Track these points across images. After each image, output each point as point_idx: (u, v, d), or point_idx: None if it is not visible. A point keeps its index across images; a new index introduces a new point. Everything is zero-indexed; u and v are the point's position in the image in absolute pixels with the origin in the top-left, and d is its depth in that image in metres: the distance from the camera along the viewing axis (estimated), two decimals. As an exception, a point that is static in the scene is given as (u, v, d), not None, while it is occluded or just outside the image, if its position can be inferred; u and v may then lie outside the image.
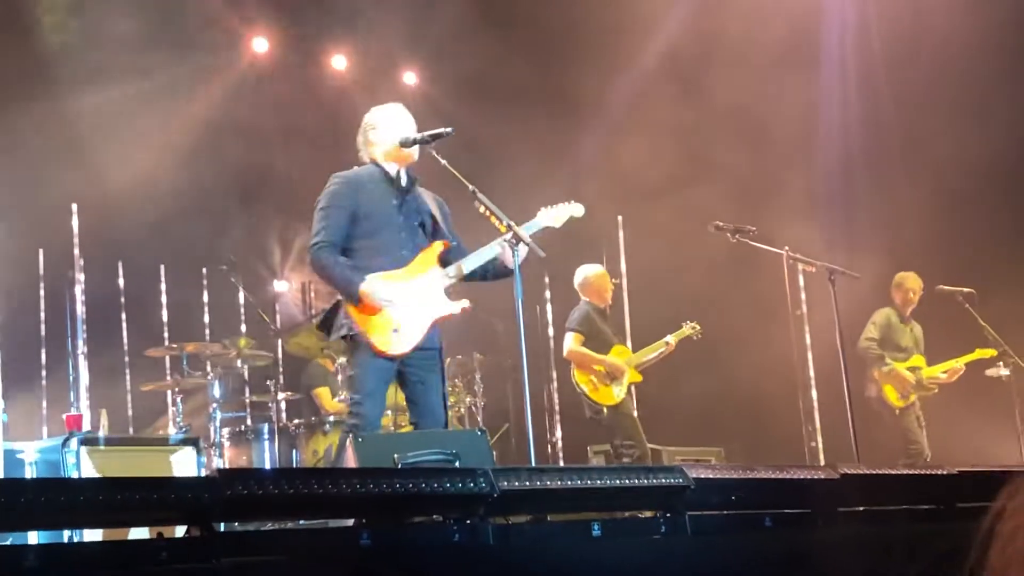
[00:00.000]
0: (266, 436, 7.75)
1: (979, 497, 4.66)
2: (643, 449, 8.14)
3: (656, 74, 10.47)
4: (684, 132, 10.06)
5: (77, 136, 9.04)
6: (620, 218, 10.08)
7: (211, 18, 9.71)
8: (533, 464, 5.29)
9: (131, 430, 8.61)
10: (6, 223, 7.71)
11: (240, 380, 8.43)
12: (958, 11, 9.62)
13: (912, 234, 9.71)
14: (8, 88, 8.68)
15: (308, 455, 7.65)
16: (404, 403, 5.65)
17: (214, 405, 7.76)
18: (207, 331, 9.33)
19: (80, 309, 8.12)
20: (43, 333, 8.68)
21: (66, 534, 5.14)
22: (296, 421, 7.97)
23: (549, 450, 9.81)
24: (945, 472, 4.72)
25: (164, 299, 9.34)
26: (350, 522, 3.79)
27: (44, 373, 8.62)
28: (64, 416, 6.75)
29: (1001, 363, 8.76)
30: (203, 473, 6.53)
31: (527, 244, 5.38)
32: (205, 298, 9.55)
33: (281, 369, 9.20)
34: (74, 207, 8.12)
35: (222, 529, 3.39)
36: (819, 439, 8.08)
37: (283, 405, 8.30)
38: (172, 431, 7.50)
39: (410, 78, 10.97)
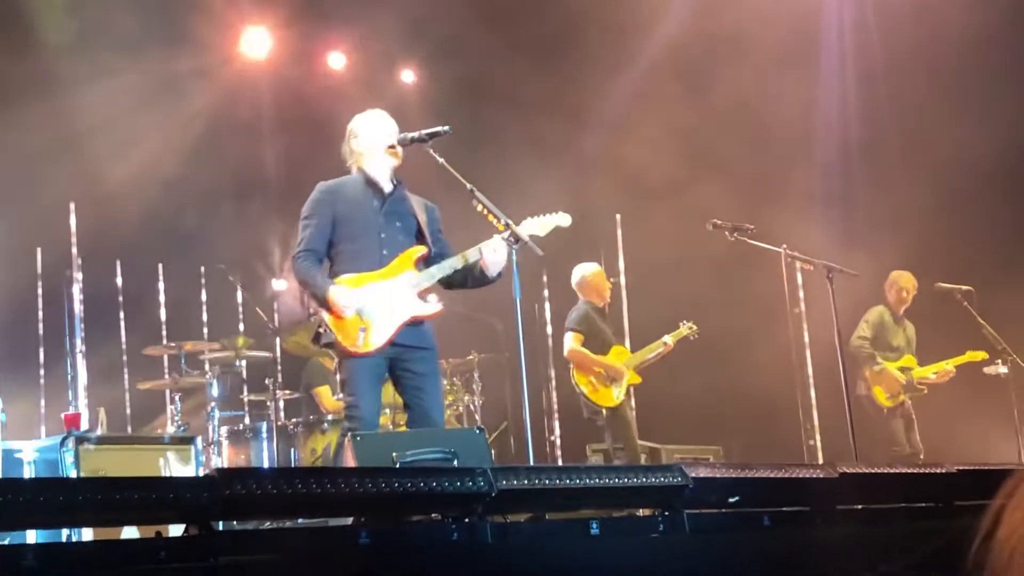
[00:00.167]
0: (264, 435, 7.75)
1: (978, 495, 4.67)
2: (633, 453, 8.14)
3: (654, 73, 10.46)
4: (683, 131, 10.05)
5: (75, 135, 9.04)
6: (618, 217, 10.08)
7: (209, 15, 9.70)
8: (531, 463, 5.30)
9: (129, 429, 8.62)
10: (4, 222, 7.72)
11: (238, 379, 8.43)
12: (958, 8, 9.61)
13: (911, 232, 9.70)
14: (6, 87, 8.67)
15: (306, 454, 7.65)
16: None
17: (212, 404, 7.76)
18: (205, 330, 9.33)
19: (78, 308, 8.13)
20: (41, 332, 8.69)
21: (64, 533, 5.14)
22: (294, 420, 7.97)
23: (548, 449, 9.81)
24: (944, 470, 4.72)
25: (162, 298, 9.35)
26: (349, 521, 3.79)
27: (42, 372, 8.63)
28: (62, 415, 6.74)
29: (999, 361, 8.75)
30: (202, 472, 6.53)
31: (526, 242, 5.39)
32: (203, 297, 9.55)
33: (279, 368, 9.20)
34: (72, 206, 8.12)
35: (221, 528, 3.39)
36: (817, 437, 8.08)
37: (281, 404, 8.30)
38: (170, 430, 7.50)
39: (408, 76, 10.96)
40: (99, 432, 6.88)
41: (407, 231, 5.60)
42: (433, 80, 10.83)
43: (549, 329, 9.93)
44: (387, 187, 5.64)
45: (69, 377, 8.08)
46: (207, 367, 7.96)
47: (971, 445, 8.80)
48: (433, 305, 5.54)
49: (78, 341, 8.02)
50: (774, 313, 8.33)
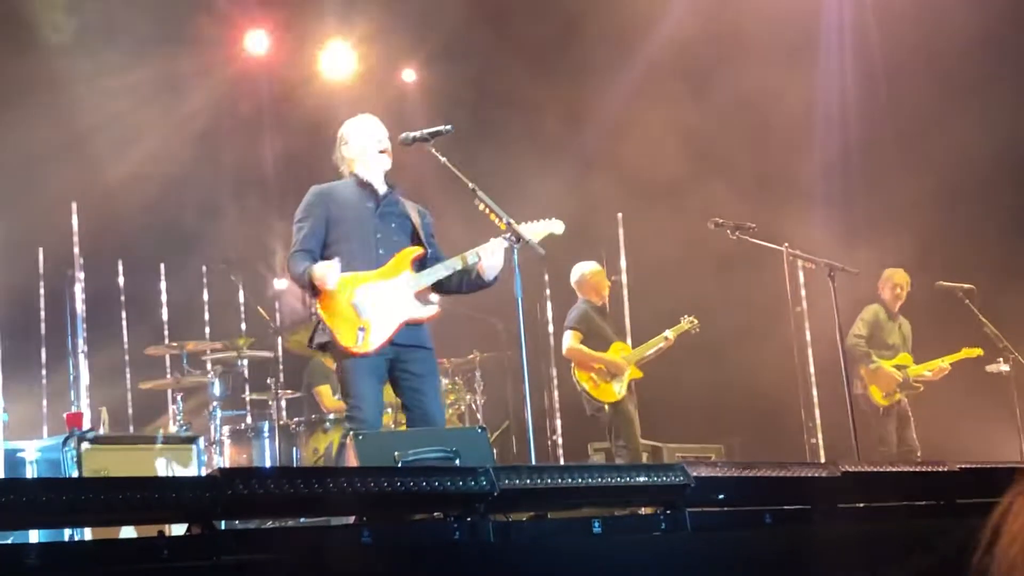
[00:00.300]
0: (266, 434, 7.76)
1: (980, 494, 4.68)
2: (635, 450, 8.15)
3: (656, 73, 10.46)
4: (684, 130, 10.05)
5: (76, 134, 9.04)
6: (620, 215, 10.08)
7: (211, 13, 9.70)
8: (533, 462, 5.30)
9: (131, 428, 8.63)
10: (6, 222, 7.73)
11: (240, 378, 8.43)
12: (959, 7, 9.61)
13: (912, 230, 9.70)
14: (7, 87, 8.68)
15: (308, 453, 7.66)
16: None
17: (214, 403, 7.77)
18: (207, 329, 9.34)
19: (80, 307, 8.13)
20: (43, 332, 8.70)
21: (67, 533, 5.15)
22: (296, 419, 7.97)
23: (549, 447, 9.81)
24: (946, 469, 4.71)
25: (164, 297, 9.35)
26: (351, 520, 3.80)
27: (44, 372, 8.64)
28: (64, 415, 6.76)
29: (1001, 359, 8.75)
30: (204, 472, 6.54)
31: (527, 242, 5.40)
32: (205, 296, 9.56)
33: (281, 367, 9.21)
34: (74, 205, 8.12)
35: (223, 527, 3.40)
36: (819, 435, 8.08)
37: (283, 403, 8.30)
38: (173, 430, 7.51)
39: (410, 76, 10.95)
40: (101, 432, 6.89)
41: (402, 232, 5.60)
42: (435, 79, 10.82)
43: (551, 328, 9.93)
44: (381, 189, 5.64)
45: (71, 377, 8.08)
46: (209, 367, 7.97)
47: (973, 443, 8.80)
48: (431, 307, 5.55)
49: (80, 341, 8.02)
50: (776, 311, 8.34)
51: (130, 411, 8.91)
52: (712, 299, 9.35)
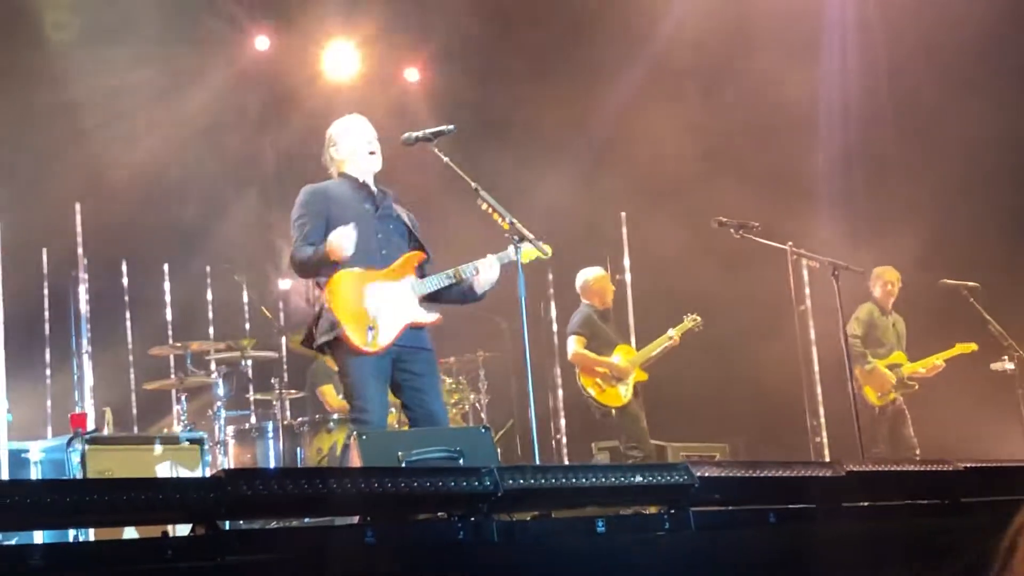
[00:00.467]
0: (271, 434, 7.77)
1: (985, 492, 4.67)
2: (647, 451, 8.19)
3: (660, 72, 10.45)
4: (689, 129, 10.05)
5: (80, 135, 9.06)
6: (623, 215, 10.08)
7: (216, 11, 9.70)
8: (537, 461, 5.30)
9: (135, 429, 8.64)
10: (10, 223, 7.72)
11: (244, 379, 8.44)
12: (964, 2, 9.60)
13: (916, 229, 9.68)
14: (11, 87, 8.69)
15: (312, 453, 7.66)
16: None
17: (218, 404, 7.77)
18: (211, 330, 9.34)
19: (84, 308, 8.14)
20: (47, 332, 8.71)
21: (71, 533, 5.16)
22: (300, 419, 7.97)
23: (553, 446, 9.81)
24: (950, 468, 4.70)
25: (168, 298, 9.36)
26: (355, 520, 3.80)
27: (48, 372, 8.65)
28: (69, 415, 6.75)
29: (1006, 357, 8.74)
30: (208, 472, 6.54)
31: (530, 241, 5.40)
32: (209, 297, 9.56)
33: (285, 367, 9.21)
34: (77, 206, 8.13)
35: (227, 528, 3.40)
36: (824, 434, 8.07)
37: (287, 403, 8.30)
38: (177, 430, 7.51)
39: (413, 75, 10.94)
40: (105, 432, 6.89)
41: (398, 234, 5.59)
42: (438, 79, 10.82)
43: (555, 327, 9.93)
44: (375, 190, 5.62)
45: (75, 377, 8.09)
46: (213, 367, 7.97)
47: (978, 442, 8.78)
48: (432, 313, 5.55)
49: (84, 341, 8.03)
50: (780, 310, 8.33)
51: (134, 412, 8.92)
52: (716, 298, 9.34)
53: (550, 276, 10.04)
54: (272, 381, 8.28)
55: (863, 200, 10.45)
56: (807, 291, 7.83)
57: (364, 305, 5.33)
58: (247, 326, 9.31)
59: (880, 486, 4.65)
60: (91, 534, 5.06)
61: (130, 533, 4.74)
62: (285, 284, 9.77)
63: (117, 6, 9.07)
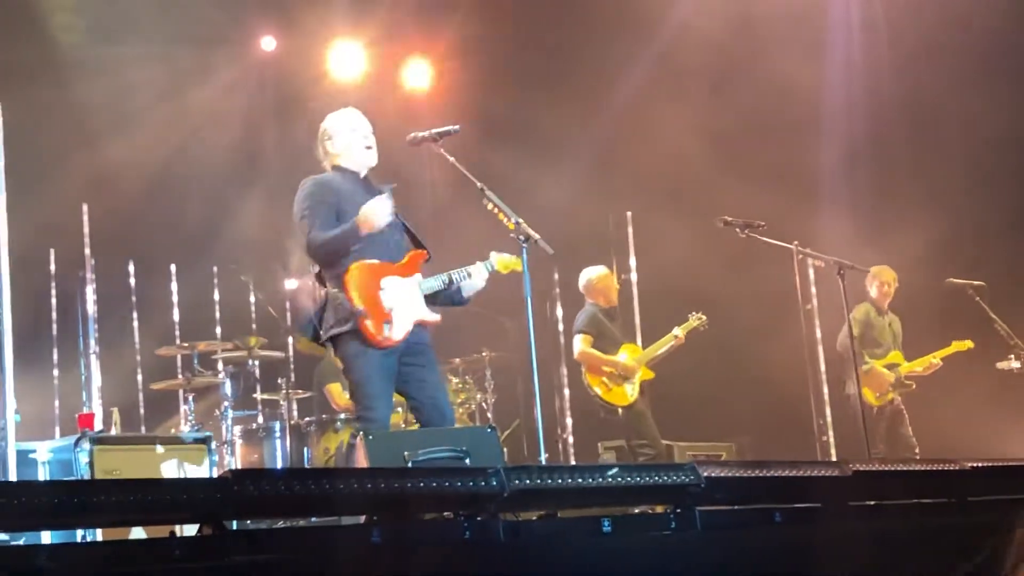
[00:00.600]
0: (278, 434, 7.78)
1: (991, 491, 4.67)
2: (659, 448, 8.21)
3: (666, 71, 10.45)
4: (694, 128, 10.04)
5: (87, 136, 9.08)
6: (629, 214, 10.08)
7: (224, 10, 9.71)
8: (543, 461, 5.30)
9: (143, 429, 8.65)
10: (17, 224, 7.74)
11: (251, 379, 8.45)
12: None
13: (921, 228, 9.66)
14: (18, 88, 8.70)
15: (319, 452, 7.67)
16: None
17: (226, 404, 7.79)
18: (218, 329, 9.36)
19: (92, 309, 8.16)
20: (55, 333, 8.74)
21: (79, 534, 5.17)
22: (307, 419, 7.99)
23: (560, 446, 9.82)
24: (957, 467, 4.70)
25: (175, 298, 9.38)
26: (361, 519, 3.81)
27: (56, 373, 8.68)
28: (76, 415, 6.77)
29: (1013, 356, 8.73)
30: (215, 472, 6.56)
31: (536, 241, 5.40)
32: (216, 297, 9.58)
33: (292, 367, 9.23)
34: (85, 207, 8.16)
35: (234, 528, 3.41)
36: (830, 433, 8.07)
37: (294, 403, 8.32)
38: (184, 430, 7.53)
39: (415, 73, 10.94)
40: (113, 433, 6.91)
41: (398, 230, 5.58)
42: (443, 79, 10.82)
43: (560, 327, 9.93)
44: (373, 185, 5.58)
45: (83, 378, 8.11)
46: (220, 367, 7.98)
47: (984, 441, 8.77)
48: (435, 313, 5.55)
49: (92, 342, 8.05)
50: (786, 309, 8.32)
51: (141, 412, 8.94)
52: (723, 298, 9.34)
53: (556, 276, 10.04)
54: (279, 381, 8.30)
55: (868, 199, 10.43)
56: (813, 290, 7.83)
57: (381, 298, 5.31)
58: (253, 326, 9.32)
59: (887, 486, 4.64)
60: (99, 534, 5.08)
61: (137, 533, 4.76)
62: (292, 284, 9.78)
63: (124, 7, 9.09)
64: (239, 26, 10.05)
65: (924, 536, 4.37)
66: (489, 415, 9.06)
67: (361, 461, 4.64)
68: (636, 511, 4.68)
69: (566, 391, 9.96)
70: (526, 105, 10.43)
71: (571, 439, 9.84)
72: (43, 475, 6.30)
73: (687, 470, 3.95)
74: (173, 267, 9.42)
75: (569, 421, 9.91)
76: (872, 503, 4.69)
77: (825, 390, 8.05)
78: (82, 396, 8.02)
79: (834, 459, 7.53)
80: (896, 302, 9.15)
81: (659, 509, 4.30)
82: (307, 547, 3.43)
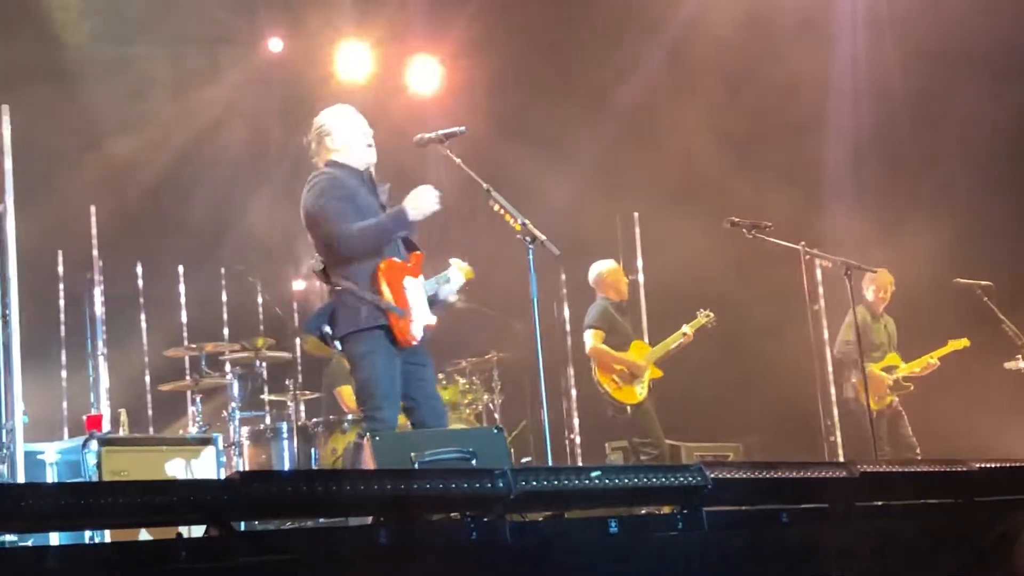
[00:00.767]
0: (285, 435, 7.78)
1: (999, 492, 4.66)
2: (662, 448, 8.20)
3: (673, 71, 10.45)
4: (702, 128, 10.04)
5: (95, 138, 9.09)
6: (636, 214, 10.08)
7: (231, 12, 9.72)
8: (550, 462, 5.30)
9: (151, 430, 8.67)
10: (25, 225, 7.76)
11: (259, 380, 8.45)
12: None
13: (927, 228, 9.65)
14: (26, 90, 8.72)
15: (327, 454, 7.67)
16: None
17: (233, 405, 7.79)
18: (226, 331, 9.37)
19: (99, 310, 8.17)
20: (63, 334, 8.75)
21: (87, 535, 5.18)
22: (315, 420, 7.98)
23: (567, 447, 9.81)
24: (964, 468, 4.69)
25: (183, 300, 9.39)
26: (368, 520, 3.81)
27: (64, 374, 8.69)
28: (84, 417, 6.79)
29: (1020, 356, 8.71)
30: (223, 473, 6.56)
31: (542, 241, 5.38)
32: (224, 298, 9.59)
33: (300, 368, 9.23)
34: (92, 208, 8.17)
35: (242, 529, 3.41)
36: (838, 434, 8.06)
37: (302, 404, 8.32)
38: (192, 431, 7.54)
39: (422, 74, 10.93)
40: (120, 434, 6.92)
41: None
42: (449, 76, 10.81)
43: (568, 328, 9.93)
44: (373, 182, 5.55)
45: (91, 379, 8.12)
46: (228, 368, 7.99)
47: (991, 441, 8.75)
48: (434, 317, 5.55)
49: (99, 343, 8.06)
50: (793, 309, 8.31)
51: (149, 413, 8.95)
52: (730, 298, 9.33)
53: (563, 276, 10.03)
54: (287, 382, 8.29)
55: (876, 199, 10.41)
56: (820, 291, 7.83)
57: (407, 297, 5.31)
58: (261, 328, 9.32)
59: (894, 487, 4.64)
60: (107, 535, 5.09)
61: (145, 535, 4.76)
62: (299, 285, 9.79)
63: (131, 9, 9.10)
64: (246, 27, 10.06)
65: (931, 537, 4.36)
66: (496, 416, 9.06)
67: (368, 462, 4.64)
68: (643, 512, 4.67)
69: (573, 392, 9.95)
70: (532, 105, 10.43)
71: (578, 440, 9.83)
72: (51, 476, 6.32)
73: (694, 471, 3.95)
74: (181, 268, 9.43)
75: (576, 422, 9.90)
76: (879, 504, 4.69)
77: (832, 391, 8.06)
78: (90, 397, 8.03)
79: (841, 460, 7.52)
80: (904, 303, 9.13)
81: (666, 510, 4.30)
82: (314, 548, 3.44)
